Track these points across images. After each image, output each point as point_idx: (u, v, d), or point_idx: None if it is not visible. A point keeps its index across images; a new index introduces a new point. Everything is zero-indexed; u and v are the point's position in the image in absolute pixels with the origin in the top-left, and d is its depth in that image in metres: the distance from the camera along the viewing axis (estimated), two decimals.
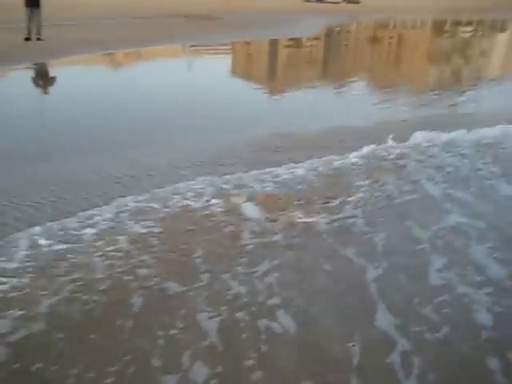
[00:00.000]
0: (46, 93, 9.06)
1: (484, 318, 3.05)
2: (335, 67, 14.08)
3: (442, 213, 4.31)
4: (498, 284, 3.37)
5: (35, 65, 10.99)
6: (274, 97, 9.52)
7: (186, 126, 6.74)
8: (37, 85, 9.62)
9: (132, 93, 8.77)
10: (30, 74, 10.33)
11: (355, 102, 8.88)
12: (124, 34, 15.61)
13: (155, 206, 4.13)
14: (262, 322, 2.90)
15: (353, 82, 11.14)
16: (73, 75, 10.15)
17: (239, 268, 3.38)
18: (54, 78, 10.16)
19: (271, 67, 13.61)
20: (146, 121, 6.89)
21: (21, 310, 2.89)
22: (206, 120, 6.90)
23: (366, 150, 5.56)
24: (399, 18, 30.54)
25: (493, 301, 3.20)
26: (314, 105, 8.30)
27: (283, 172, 4.93)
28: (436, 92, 10.16)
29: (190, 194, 4.35)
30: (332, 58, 15.57)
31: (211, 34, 16.87)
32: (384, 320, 2.97)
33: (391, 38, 21.52)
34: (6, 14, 16.30)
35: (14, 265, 3.27)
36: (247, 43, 16.69)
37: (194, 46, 15.09)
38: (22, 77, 9.92)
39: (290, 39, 17.58)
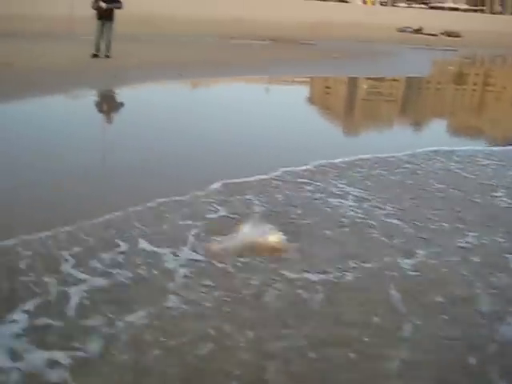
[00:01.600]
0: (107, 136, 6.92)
1: None
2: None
3: None
4: None
5: (98, 93, 9.13)
6: None
7: None
8: (97, 121, 7.60)
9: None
10: (91, 105, 8.32)
11: None
12: (204, 56, 13.75)
13: None
14: None
15: None
16: (138, 110, 8.06)
17: None
18: (114, 112, 8.27)
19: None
20: None
21: None
22: None
23: None
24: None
25: None
26: None
27: None
28: None
29: None
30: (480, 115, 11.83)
31: (302, 64, 14.59)
32: None
33: None
34: (77, 26, 14.95)
35: None
36: (348, 81, 14.11)
37: (282, 80, 12.85)
38: (80, 108, 7.90)
39: (400, 80, 14.66)
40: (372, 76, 14.10)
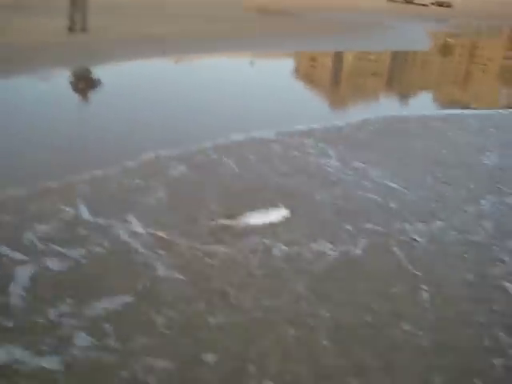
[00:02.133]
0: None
1: None
2: None
3: None
4: None
5: (73, 72, 8.31)
6: None
7: None
8: (71, 105, 6.81)
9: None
10: (63, 87, 7.46)
11: None
12: (189, 28, 12.99)
13: None
14: None
15: None
16: (113, 95, 7.29)
17: None
18: (85, 96, 7.53)
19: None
20: None
21: None
22: None
23: None
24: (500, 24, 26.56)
25: None
26: None
27: None
28: None
29: None
30: None
31: (290, 37, 13.89)
32: None
33: None
34: None
35: None
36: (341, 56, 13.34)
37: (267, 54, 12.11)
38: (51, 90, 7.11)
39: (404, 54, 13.67)
40: (368, 50, 13.42)
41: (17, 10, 13.40)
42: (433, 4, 32.99)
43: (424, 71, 12.55)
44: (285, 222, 3.20)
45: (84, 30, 10.79)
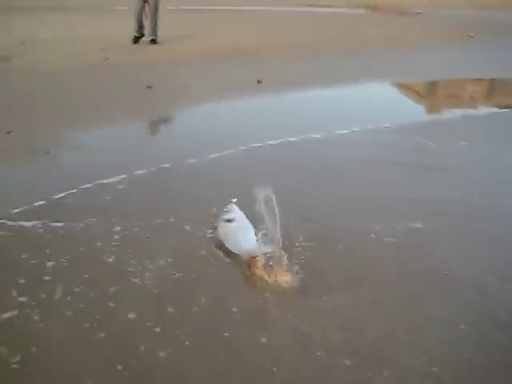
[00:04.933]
0: None
1: None
2: None
3: None
4: None
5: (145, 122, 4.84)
6: None
7: None
8: None
9: None
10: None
11: None
12: (285, 35, 9.91)
13: None
14: None
15: None
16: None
17: None
18: None
19: None
20: None
21: None
22: None
23: None
24: None
25: None
26: None
27: None
28: None
29: None
30: None
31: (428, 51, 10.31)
32: None
33: None
34: None
35: None
36: None
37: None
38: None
39: None
40: None
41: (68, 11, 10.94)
42: None
43: None
44: None
45: (153, 41, 8.02)
